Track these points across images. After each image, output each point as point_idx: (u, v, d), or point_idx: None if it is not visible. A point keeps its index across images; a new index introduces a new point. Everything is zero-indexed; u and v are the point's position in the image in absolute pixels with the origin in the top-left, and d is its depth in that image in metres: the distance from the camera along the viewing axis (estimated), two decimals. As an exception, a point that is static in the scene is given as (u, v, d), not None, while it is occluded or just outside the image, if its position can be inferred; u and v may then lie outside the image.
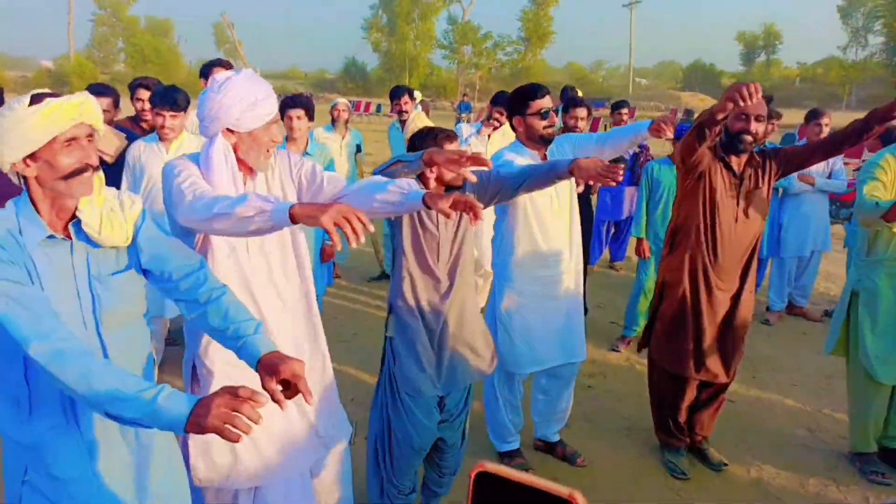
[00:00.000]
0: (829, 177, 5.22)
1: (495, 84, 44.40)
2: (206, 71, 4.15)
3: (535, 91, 2.77)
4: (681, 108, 29.43)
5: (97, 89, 3.60)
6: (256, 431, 1.78)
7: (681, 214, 2.99)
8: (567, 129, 4.69)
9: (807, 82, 50.96)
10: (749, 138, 2.77)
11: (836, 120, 5.13)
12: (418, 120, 5.88)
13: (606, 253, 6.75)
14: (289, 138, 3.99)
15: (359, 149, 5.73)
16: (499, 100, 4.90)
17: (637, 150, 6.35)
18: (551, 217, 2.88)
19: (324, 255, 4.20)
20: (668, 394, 3.16)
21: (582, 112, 4.60)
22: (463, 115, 22.33)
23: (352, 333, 4.77)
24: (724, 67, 65.23)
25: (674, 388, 3.13)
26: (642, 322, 4.77)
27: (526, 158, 2.75)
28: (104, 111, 3.52)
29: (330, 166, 4.01)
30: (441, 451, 2.58)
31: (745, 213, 2.86)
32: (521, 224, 2.86)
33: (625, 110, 6.37)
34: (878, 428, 3.20)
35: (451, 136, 2.35)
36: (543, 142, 2.81)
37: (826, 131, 5.21)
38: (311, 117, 3.94)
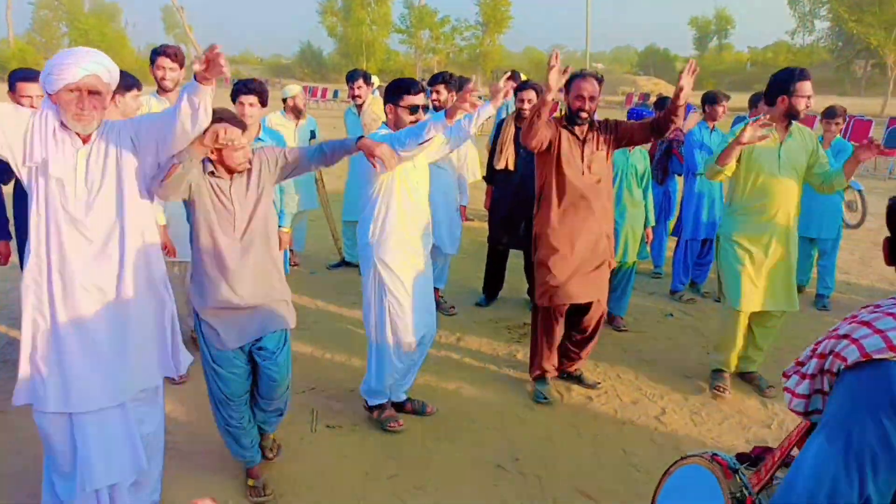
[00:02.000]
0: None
1: (454, 69, 44.16)
2: (154, 56, 4.01)
3: (409, 86, 3.06)
4: (637, 91, 29.79)
5: (22, 75, 3.43)
6: (63, 356, 2.29)
7: (541, 177, 3.60)
8: (518, 111, 4.84)
9: (757, 66, 52.25)
10: (584, 114, 3.46)
11: (784, 102, 5.25)
12: (374, 105, 5.80)
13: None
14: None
15: (313, 135, 5.62)
16: (435, 79, 4.91)
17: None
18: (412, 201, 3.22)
19: (279, 243, 4.11)
20: (547, 329, 3.70)
21: (529, 94, 4.72)
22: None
23: (312, 321, 4.72)
24: (679, 52, 66.41)
25: (551, 324, 3.69)
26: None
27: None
28: (36, 96, 3.37)
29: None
30: (268, 389, 2.82)
31: (590, 169, 3.52)
32: (393, 207, 3.16)
33: (581, 93, 6.39)
34: (736, 352, 3.87)
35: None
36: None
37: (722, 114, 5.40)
38: (263, 103, 3.84)
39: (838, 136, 5.44)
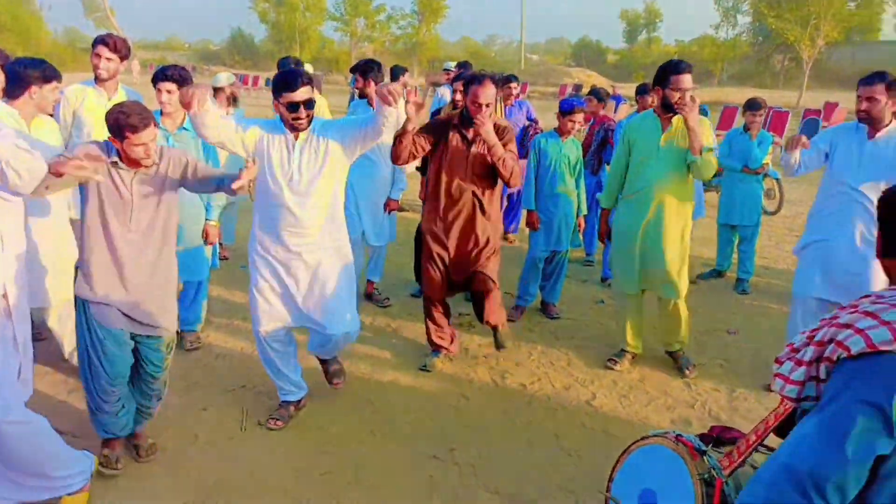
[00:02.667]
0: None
1: (390, 58, 43.70)
2: (94, 44, 3.84)
3: (288, 82, 2.90)
4: (570, 83, 30.32)
5: None
6: None
7: (430, 174, 3.72)
8: (453, 102, 4.95)
9: (684, 59, 53.85)
10: (478, 119, 3.49)
11: (710, 95, 5.46)
12: (306, 93, 5.68)
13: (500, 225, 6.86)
14: (162, 112, 3.72)
15: (242, 124, 5.45)
16: (355, 67, 4.82)
17: (526, 123, 6.48)
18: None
19: (207, 236, 3.97)
20: (429, 312, 3.94)
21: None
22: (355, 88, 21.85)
23: (241, 317, 4.59)
24: (610, 44, 67.86)
25: (431, 309, 3.92)
26: (536, 292, 4.93)
27: (279, 135, 3.03)
28: None
29: (206, 146, 3.77)
30: (147, 376, 2.89)
31: (473, 170, 3.61)
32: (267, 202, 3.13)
33: (514, 84, 6.45)
34: (633, 333, 4.04)
35: None
36: (292, 129, 3.00)
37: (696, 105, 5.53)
38: (187, 92, 3.68)
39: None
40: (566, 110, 4.71)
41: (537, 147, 4.73)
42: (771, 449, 1.82)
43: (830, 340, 1.30)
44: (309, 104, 2.93)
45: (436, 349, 4.04)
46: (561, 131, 4.74)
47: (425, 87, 24.71)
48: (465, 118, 3.60)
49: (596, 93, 6.55)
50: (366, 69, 4.70)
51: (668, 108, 3.64)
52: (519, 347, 4.36)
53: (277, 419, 3.29)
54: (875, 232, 3.57)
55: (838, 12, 29.60)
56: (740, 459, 1.72)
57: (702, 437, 2.00)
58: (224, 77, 5.32)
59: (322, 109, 5.59)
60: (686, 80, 3.60)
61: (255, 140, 3.01)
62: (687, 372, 3.97)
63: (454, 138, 3.62)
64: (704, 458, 1.84)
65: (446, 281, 3.84)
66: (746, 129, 5.62)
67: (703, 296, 5.48)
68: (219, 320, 4.58)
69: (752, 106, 5.61)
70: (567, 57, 69.02)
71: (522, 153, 6.19)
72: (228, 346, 4.22)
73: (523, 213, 6.15)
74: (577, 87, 22.76)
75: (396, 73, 8.46)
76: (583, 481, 2.98)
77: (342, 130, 3.09)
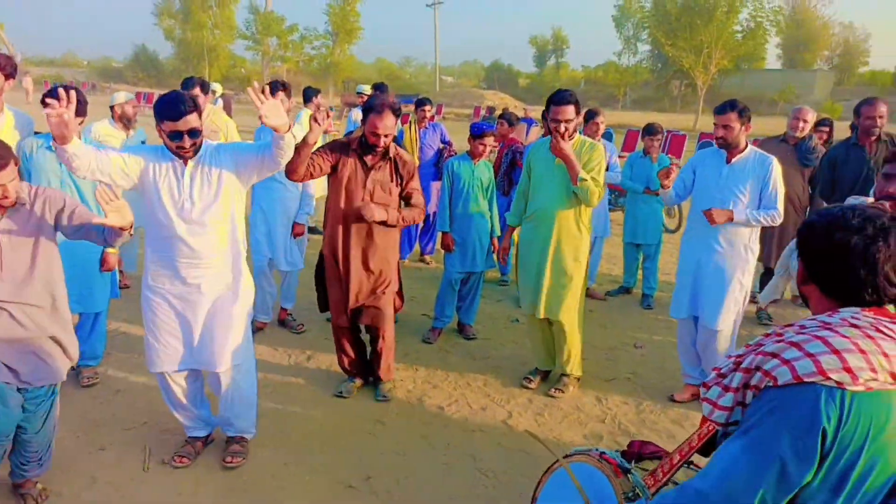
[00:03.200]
0: (607, 169, 5.79)
1: (305, 78, 43.25)
2: None
3: (171, 110, 2.66)
4: (483, 105, 31.03)
5: None
6: None
7: (328, 198, 3.69)
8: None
9: (590, 84, 56.49)
10: (379, 148, 3.53)
11: (614, 118, 5.74)
12: (214, 115, 5.52)
13: (417, 247, 6.90)
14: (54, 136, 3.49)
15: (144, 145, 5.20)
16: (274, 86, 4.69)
17: (441, 145, 6.57)
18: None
19: (104, 265, 3.75)
20: (337, 338, 3.92)
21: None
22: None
23: (140, 350, 4.33)
24: (521, 68, 70.10)
25: (342, 335, 3.88)
26: (453, 313, 4.96)
27: (166, 162, 2.82)
28: None
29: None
30: (23, 439, 2.70)
31: (371, 197, 3.58)
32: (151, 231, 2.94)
33: (428, 107, 6.53)
34: (540, 350, 4.14)
35: None
36: (178, 157, 2.80)
37: (602, 129, 5.80)
38: (79, 112, 3.48)
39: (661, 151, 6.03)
40: (477, 134, 4.81)
41: (450, 170, 4.80)
42: (698, 466, 1.89)
43: (757, 368, 1.35)
44: (193, 133, 2.70)
45: (351, 375, 3.97)
46: (473, 154, 4.83)
47: (341, 107, 24.49)
48: (364, 145, 3.56)
49: (506, 116, 6.73)
50: (271, 90, 4.61)
51: (557, 133, 3.70)
52: (436, 370, 4.36)
53: (183, 456, 3.12)
54: (730, 249, 3.80)
55: (727, 42, 31.92)
56: (665, 479, 1.75)
57: (623, 453, 2.03)
58: (121, 95, 5.07)
59: (230, 133, 5.45)
60: (564, 111, 3.64)
61: (139, 170, 2.77)
62: (553, 391, 4.00)
63: (353, 163, 3.57)
64: (629, 476, 1.86)
65: (348, 307, 3.76)
66: (646, 152, 5.93)
67: (612, 312, 5.69)
68: (119, 353, 4.32)
69: (650, 131, 5.93)
70: (481, 80, 70.65)
71: (438, 175, 6.27)
72: (129, 381, 3.99)
73: (439, 235, 6.22)
74: (491, 110, 23.29)
75: (309, 94, 8.36)
76: (500, 501, 3.00)
77: (236, 156, 2.88)
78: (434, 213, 6.37)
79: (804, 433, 1.24)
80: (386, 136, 3.48)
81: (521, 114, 17.34)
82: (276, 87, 5.10)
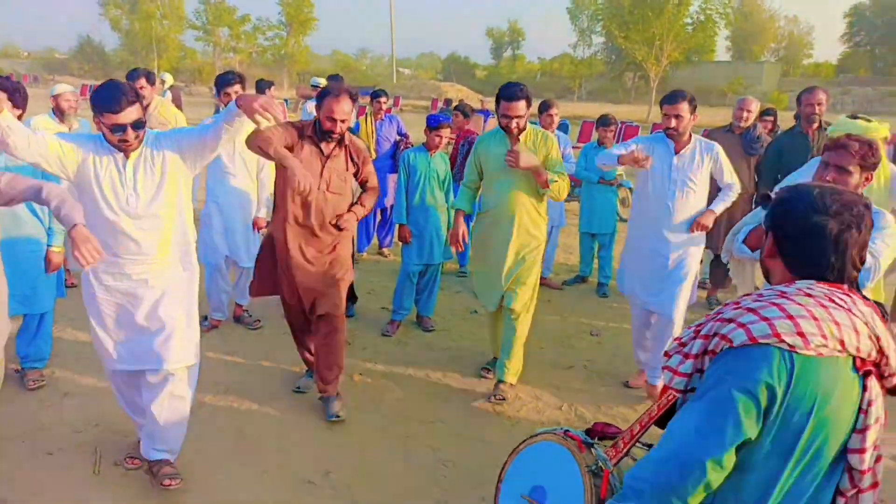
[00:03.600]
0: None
1: (258, 69, 42.43)
2: None
3: (111, 104, 2.52)
4: (441, 97, 30.99)
5: None
6: None
7: (278, 184, 3.55)
8: None
9: (546, 76, 57.06)
10: (335, 134, 3.39)
11: (570, 110, 5.82)
12: (162, 108, 5.38)
13: (375, 240, 6.86)
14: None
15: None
16: (227, 80, 4.58)
17: (397, 137, 6.54)
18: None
19: (49, 265, 3.62)
20: (297, 332, 3.82)
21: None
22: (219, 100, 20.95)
23: (90, 352, 4.21)
24: (478, 60, 70.23)
25: (298, 328, 3.79)
26: (411, 305, 4.96)
27: (107, 154, 2.67)
28: None
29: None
30: None
31: (328, 186, 3.46)
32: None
33: (384, 98, 6.48)
34: (498, 341, 4.06)
35: None
36: (119, 149, 2.66)
37: (556, 120, 5.86)
38: (16, 103, 3.35)
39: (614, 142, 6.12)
40: (433, 126, 4.81)
41: (406, 162, 4.78)
42: (648, 445, 1.94)
43: (715, 334, 1.40)
44: (137, 125, 2.57)
45: (310, 368, 3.92)
46: (429, 146, 4.83)
47: (296, 99, 24.07)
48: (319, 131, 3.42)
49: (461, 108, 6.74)
50: (221, 82, 4.56)
51: (506, 129, 3.68)
52: (395, 362, 4.36)
53: (135, 457, 3.04)
54: (683, 238, 3.83)
55: (678, 34, 32.59)
56: (625, 449, 1.80)
57: (587, 432, 2.08)
58: (62, 87, 4.88)
59: (179, 125, 5.32)
60: (515, 107, 3.59)
61: (77, 162, 2.61)
62: (492, 399, 3.81)
63: (309, 150, 3.41)
64: (592, 450, 1.91)
65: (299, 293, 3.60)
66: (600, 143, 6.02)
67: (568, 301, 5.78)
68: (67, 355, 4.19)
69: (603, 122, 6.02)
70: (438, 72, 70.55)
71: (394, 168, 6.24)
72: (78, 383, 3.87)
73: (396, 228, 6.20)
74: (448, 102, 23.29)
75: (262, 86, 8.22)
76: (461, 490, 3.02)
77: (179, 141, 2.78)
78: (391, 205, 6.34)
79: (754, 390, 1.29)
80: (342, 121, 3.35)
81: (478, 105, 17.41)
82: (266, 85, 5.01)
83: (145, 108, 5.12)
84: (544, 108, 5.84)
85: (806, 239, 1.41)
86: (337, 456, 3.24)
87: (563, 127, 16.67)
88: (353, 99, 3.43)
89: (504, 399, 3.82)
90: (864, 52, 55.39)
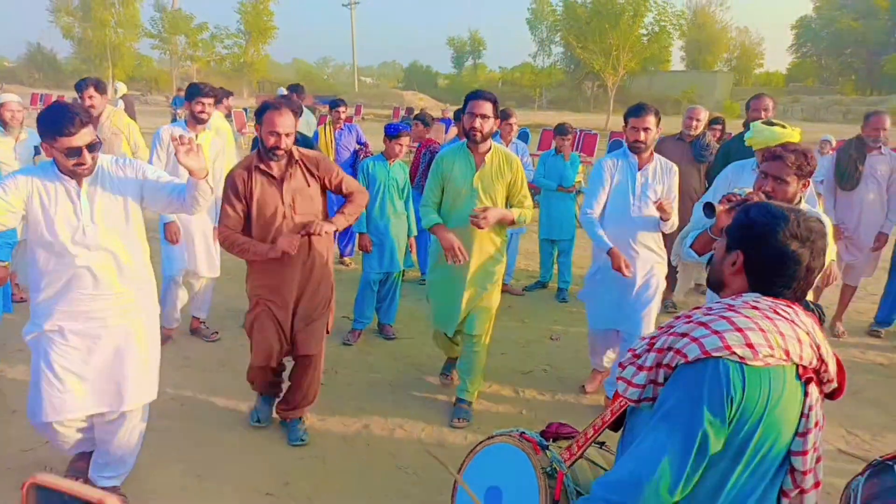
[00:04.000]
0: (520, 168, 5.94)
1: (217, 78, 41.83)
2: None
3: (63, 124, 2.38)
4: (403, 106, 31.04)
5: None
6: None
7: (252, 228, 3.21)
8: None
9: (507, 85, 57.64)
10: (280, 150, 3.05)
11: (531, 118, 5.90)
12: (115, 117, 5.26)
13: (336, 249, 6.83)
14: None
15: (37, 150, 4.91)
16: (189, 91, 4.54)
17: (357, 146, 6.55)
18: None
19: (-3, 279, 3.51)
20: (261, 376, 3.46)
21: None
22: (178, 110, 20.61)
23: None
24: (440, 69, 70.58)
25: (265, 374, 3.46)
26: (372, 314, 4.96)
27: (55, 183, 2.53)
28: None
29: None
30: None
31: (294, 210, 3.14)
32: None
33: (342, 108, 6.49)
34: (449, 349, 4.11)
35: None
36: (72, 176, 2.52)
37: (515, 129, 5.95)
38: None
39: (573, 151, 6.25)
40: (392, 134, 4.83)
41: (365, 171, 4.80)
42: (601, 444, 2.01)
43: (669, 348, 1.45)
44: (92, 147, 2.45)
45: (267, 394, 3.62)
46: (388, 155, 4.85)
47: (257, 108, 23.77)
48: (264, 150, 3.09)
49: (421, 118, 6.78)
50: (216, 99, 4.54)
51: (468, 136, 3.54)
52: (356, 371, 4.35)
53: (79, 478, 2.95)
54: (648, 253, 3.88)
55: (634, 45, 33.31)
56: (579, 452, 1.83)
57: (542, 433, 2.12)
58: (7, 97, 4.76)
59: (133, 135, 5.23)
60: (482, 105, 3.47)
61: (23, 200, 2.44)
62: (455, 421, 3.69)
63: (258, 180, 3.11)
64: (546, 452, 1.95)
65: (283, 348, 3.35)
66: (558, 151, 6.13)
67: (529, 306, 5.85)
68: (14, 371, 4.07)
69: (561, 131, 6.14)
70: (400, 80, 70.64)
71: (354, 177, 6.23)
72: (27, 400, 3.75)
73: (357, 237, 6.19)
74: (409, 111, 23.34)
75: (219, 96, 8.13)
76: (422, 497, 3.03)
77: (143, 187, 2.67)
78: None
79: (719, 403, 1.35)
80: (287, 135, 3.05)
81: (439, 114, 17.49)
82: (224, 95, 4.91)
83: (97, 119, 5.07)
84: (503, 116, 5.90)
85: (782, 265, 1.48)
86: (297, 467, 3.22)
87: (523, 135, 16.90)
88: (296, 112, 3.17)
89: (468, 421, 3.69)
90: (811, 62, 57.50)
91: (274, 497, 2.98)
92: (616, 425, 1.74)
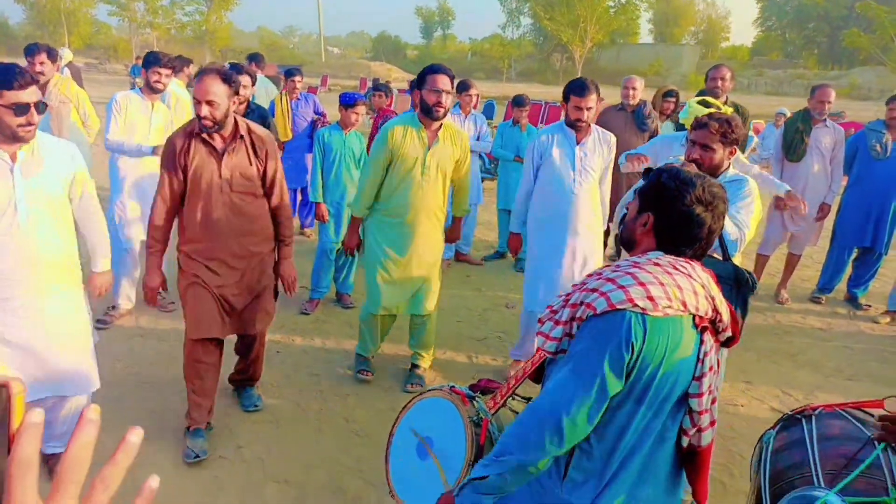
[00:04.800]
0: (478, 139, 5.99)
1: (178, 46, 40.67)
2: None
3: (12, 82, 2.30)
4: (370, 76, 30.67)
5: None
6: None
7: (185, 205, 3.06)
8: None
9: (477, 56, 57.27)
10: (206, 121, 2.80)
11: (500, 90, 5.93)
12: (62, 85, 5.14)
13: (296, 220, 6.83)
14: None
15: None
16: (146, 60, 4.48)
17: (314, 116, 6.51)
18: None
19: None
20: (200, 360, 3.11)
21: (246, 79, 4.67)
22: (137, 79, 20.08)
23: None
24: (408, 40, 69.68)
25: (205, 354, 3.13)
26: (329, 283, 5.00)
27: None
28: None
29: None
30: None
31: (230, 186, 2.94)
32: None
33: (298, 78, 6.42)
34: (377, 341, 3.94)
35: None
36: (14, 140, 2.40)
37: (475, 100, 5.98)
38: None
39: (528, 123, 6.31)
40: (348, 103, 4.81)
41: (321, 140, 4.79)
42: (526, 398, 2.14)
43: (581, 303, 1.56)
44: (40, 106, 2.35)
45: (204, 414, 3.19)
46: (344, 124, 4.84)
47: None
48: (201, 129, 2.89)
49: (383, 88, 6.77)
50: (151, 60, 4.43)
51: (427, 112, 3.48)
52: (312, 339, 4.41)
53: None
54: (593, 228, 3.96)
55: (601, 17, 33.38)
56: (502, 401, 2.02)
57: (471, 387, 2.28)
58: None
59: (82, 104, 5.14)
60: (442, 80, 3.43)
61: None
62: (409, 387, 3.76)
63: (198, 148, 2.90)
64: (474, 403, 2.12)
65: (224, 317, 3.14)
66: (515, 122, 6.18)
67: (487, 276, 5.95)
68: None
69: (518, 102, 6.19)
70: (367, 51, 69.59)
71: (312, 147, 6.21)
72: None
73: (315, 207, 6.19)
74: (376, 81, 23.15)
75: (179, 64, 7.95)
76: (372, 460, 3.12)
77: (77, 167, 2.61)
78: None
79: (618, 351, 1.47)
80: (208, 102, 2.78)
81: (406, 86, 17.36)
82: (184, 63, 4.75)
83: (44, 87, 4.95)
84: (463, 87, 5.91)
85: (686, 227, 1.60)
86: (249, 431, 3.29)
87: (489, 107, 16.91)
88: (227, 80, 2.85)
89: (421, 387, 3.73)
90: (775, 35, 58.29)
91: (225, 459, 3.05)
92: (538, 379, 1.86)
